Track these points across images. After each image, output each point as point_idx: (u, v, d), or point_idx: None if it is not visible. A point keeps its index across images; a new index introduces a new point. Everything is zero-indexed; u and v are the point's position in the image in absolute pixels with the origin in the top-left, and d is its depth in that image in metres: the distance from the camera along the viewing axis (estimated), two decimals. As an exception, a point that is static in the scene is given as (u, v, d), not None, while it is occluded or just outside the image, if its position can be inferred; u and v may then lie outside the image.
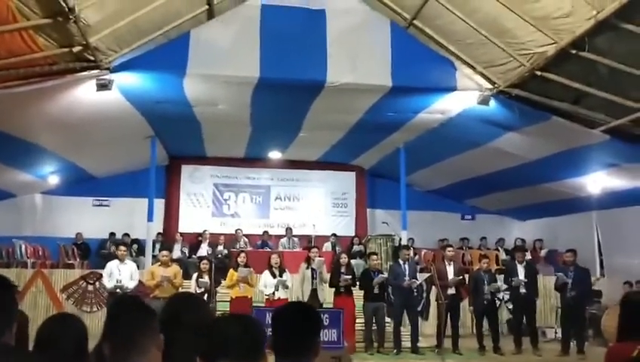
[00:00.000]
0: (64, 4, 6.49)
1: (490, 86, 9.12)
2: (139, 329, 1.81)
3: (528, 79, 8.58)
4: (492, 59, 8.77)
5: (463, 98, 9.47)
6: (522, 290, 9.48)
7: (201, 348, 1.66)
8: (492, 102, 9.30)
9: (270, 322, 2.02)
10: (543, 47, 7.91)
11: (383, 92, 9.28)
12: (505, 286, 9.76)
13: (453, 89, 9.22)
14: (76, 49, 7.42)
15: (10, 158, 10.99)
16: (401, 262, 9.73)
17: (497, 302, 10.07)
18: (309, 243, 13.69)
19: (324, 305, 9.34)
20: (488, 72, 8.99)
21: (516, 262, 9.83)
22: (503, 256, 14.36)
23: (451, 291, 9.48)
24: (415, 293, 9.73)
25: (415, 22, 9.05)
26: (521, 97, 8.93)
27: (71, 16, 6.67)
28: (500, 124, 10.10)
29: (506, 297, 10.88)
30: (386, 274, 9.71)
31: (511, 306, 10.55)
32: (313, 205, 15.99)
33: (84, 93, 8.59)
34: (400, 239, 13.23)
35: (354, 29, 8.92)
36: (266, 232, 14.64)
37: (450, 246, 10.65)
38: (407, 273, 9.49)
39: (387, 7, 9.11)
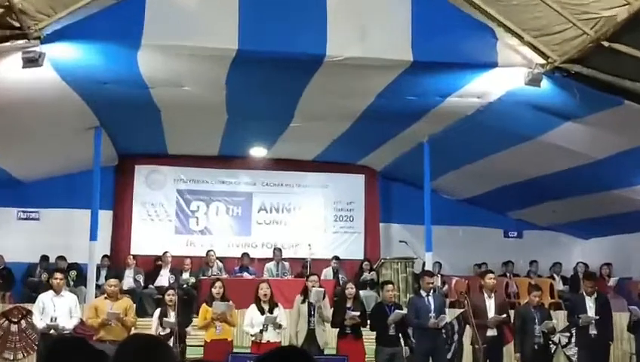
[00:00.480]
0: (-20, -47, 6.49)
1: (542, 61, 9.10)
2: None
3: (592, 52, 8.54)
4: (545, 26, 8.75)
5: (506, 77, 9.46)
6: (592, 331, 9.42)
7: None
8: (544, 83, 9.29)
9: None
10: (611, 10, 7.89)
11: (401, 69, 9.26)
12: (563, 326, 9.72)
13: (494, 65, 9.21)
14: (-4, 12, 7.42)
15: None
16: (423, 293, 9.70)
17: (552, 347, 10.05)
18: (304, 268, 13.68)
19: (325, 351, 9.31)
20: (539, 42, 8.97)
21: (584, 293, 9.74)
22: (559, 285, 14.37)
23: (491, 332, 9.44)
24: (444, 335, 9.70)
25: (442, -23, 9.06)
26: (582, 76, 8.91)
27: (-11, -31, 6.67)
28: (556, 112, 10.10)
29: (564, 340, 10.88)
30: (404, 310, 9.68)
31: (572, 351, 10.52)
32: (309, 219, 16.04)
33: (5, 71, 8.59)
34: (423, 263, 13.23)
35: (363, -13, 8.94)
36: (245, 254, 14.63)
37: (491, 272, 10.60)
38: (432, 308, 9.46)
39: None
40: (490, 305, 9.58)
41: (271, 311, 9.22)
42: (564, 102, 9.66)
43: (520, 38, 9.04)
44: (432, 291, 9.70)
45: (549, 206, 14.51)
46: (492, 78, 9.57)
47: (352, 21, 8.87)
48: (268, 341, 8.90)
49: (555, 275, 14.93)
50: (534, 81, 9.26)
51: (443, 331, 9.67)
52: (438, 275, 11.66)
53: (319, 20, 8.75)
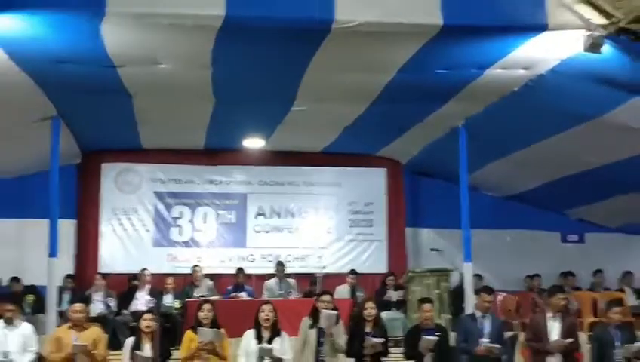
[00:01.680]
0: None
1: (604, 21, 9.06)
2: None
3: (667, 8, 8.53)
4: (606, -23, 8.75)
5: (560, 42, 9.40)
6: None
7: None
8: (607, 48, 9.23)
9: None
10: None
11: (429, 36, 9.22)
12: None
13: (543, 28, 9.15)
14: None
15: None
16: (478, 314, 9.71)
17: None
18: (313, 286, 13.69)
19: (339, 388, 9.31)
20: (600, -2, 8.96)
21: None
22: (632, 300, 14.30)
23: (554, 360, 9.40)
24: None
25: None
26: (656, 38, 8.89)
27: None
28: (622, 84, 10.05)
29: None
30: (437, 336, 9.65)
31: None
32: (318, 224, 16.11)
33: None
34: (461, 276, 13.20)
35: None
36: (240, 270, 14.66)
37: (562, 288, 10.54)
38: (485, 331, 9.45)
39: None
40: (555, 326, 9.54)
41: (270, 340, 9.20)
42: (632, 71, 9.62)
43: (576, -7, 9.02)
44: (487, 312, 9.70)
45: (617, 202, 14.45)
46: (542, 45, 9.49)
47: (365, -23, 8.87)
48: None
49: (625, 287, 14.88)
50: (595, 46, 9.17)
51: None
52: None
53: (325, -23, 8.77)
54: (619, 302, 10.12)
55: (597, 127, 11.30)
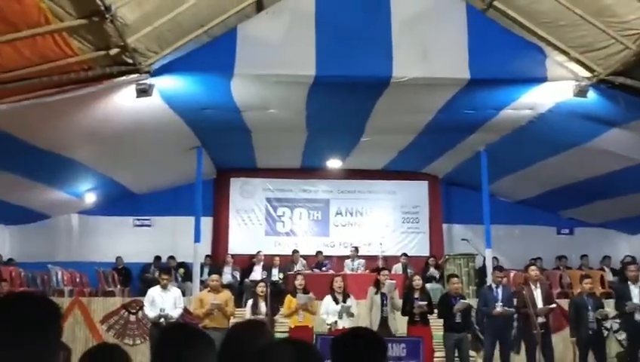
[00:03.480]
0: (100, 3, 6.75)
1: (588, 74, 8.83)
2: None
3: (635, 65, 8.24)
4: (589, 43, 8.49)
5: (556, 90, 9.21)
6: (638, 317, 9.02)
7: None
8: (591, 94, 9.00)
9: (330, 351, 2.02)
10: (651, 26, 7.60)
11: (460, 86, 9.15)
12: (615, 313, 9.34)
13: (544, 80, 8.99)
14: (113, 51, 7.68)
15: (43, 175, 11.48)
16: (493, 285, 9.52)
17: (605, 332, 9.64)
18: (378, 264, 13.64)
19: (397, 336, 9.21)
20: (585, 58, 8.70)
21: (629, 282, 9.37)
22: (609, 276, 13.83)
23: (541, 320, 9.13)
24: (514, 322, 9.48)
25: (495, 3, 8.87)
26: (626, 86, 8.58)
27: (107, 16, 6.93)
28: (602, 120, 9.76)
29: (615, 326, 10.43)
30: (467, 300, 9.50)
31: (622, 337, 10.10)
32: (379, 221, 15.94)
33: (122, 100, 8.89)
34: (484, 258, 12.97)
35: (423, 16, 8.84)
36: (319, 252, 14.65)
37: (534, 264, 10.25)
38: (499, 299, 9.26)
39: (461, -12, 9.00)
40: (538, 294, 9.30)
41: (344, 301, 9.20)
42: (609, 110, 9.34)
43: (567, 54, 8.80)
44: (499, 284, 9.52)
45: (598, 205, 13.98)
46: (542, 92, 9.34)
47: (414, 45, 8.80)
48: (343, 327, 8.80)
49: (605, 267, 14.37)
50: (581, 92, 8.99)
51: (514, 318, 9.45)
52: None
53: (385, 46, 8.74)
54: (588, 276, 9.89)
55: (583, 151, 10.99)
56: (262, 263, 13.82)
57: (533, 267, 9.76)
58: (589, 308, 9.12)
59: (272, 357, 1.74)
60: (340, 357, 1.98)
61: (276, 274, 13.53)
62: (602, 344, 9.32)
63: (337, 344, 2.05)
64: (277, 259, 14.12)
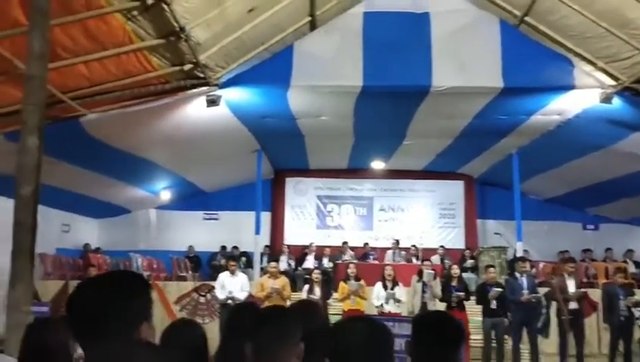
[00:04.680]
0: (176, 25, 6.90)
1: (613, 82, 8.56)
2: (285, 343, 1.86)
3: (657, 73, 7.96)
4: (614, 54, 8.23)
5: (583, 97, 8.96)
6: (658, 305, 8.73)
7: (332, 351, 1.67)
8: (616, 100, 8.72)
9: (411, 328, 1.99)
10: (674, 37, 7.32)
11: (494, 94, 8.99)
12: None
13: (571, 87, 8.75)
14: (187, 67, 7.84)
15: (126, 175, 11.83)
16: (518, 275, 9.32)
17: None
18: (414, 255, 13.52)
19: (436, 320, 9.09)
20: (610, 67, 8.44)
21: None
22: (632, 268, 13.35)
23: (574, 305, 8.90)
24: (543, 309, 9.23)
25: (526, 19, 8.67)
26: (649, 93, 8.30)
27: (182, 36, 7.08)
28: (626, 124, 9.45)
29: (637, 314, 10.09)
30: (500, 289, 9.31)
31: (645, 324, 9.75)
32: (419, 216, 15.77)
33: (194, 110, 9.06)
34: (515, 251, 12.70)
35: (460, 31, 8.73)
36: (366, 244, 14.60)
37: (572, 260, 10.03)
38: (524, 286, 9.05)
39: (496, 5, 8.81)
40: (571, 283, 9.09)
41: (392, 288, 9.15)
42: (632, 115, 9.06)
43: (594, 64, 8.54)
44: (524, 273, 9.31)
45: (622, 203, 13.51)
46: (570, 99, 9.10)
47: (452, 57, 8.69)
48: (389, 311, 8.79)
49: (627, 260, 13.88)
50: (607, 99, 8.72)
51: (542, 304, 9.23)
52: (528, 260, 11.15)
53: (426, 58, 8.66)
54: (622, 270, 9.65)
55: (608, 153, 10.65)
56: (314, 253, 13.84)
57: (571, 264, 9.53)
58: (621, 297, 8.87)
59: (346, 331, 1.74)
60: (424, 334, 1.95)
61: (326, 264, 13.54)
62: (631, 330, 9.04)
63: (421, 322, 2.02)
64: (327, 250, 14.11)
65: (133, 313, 1.46)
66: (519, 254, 12.06)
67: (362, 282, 9.27)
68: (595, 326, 9.47)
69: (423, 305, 9.09)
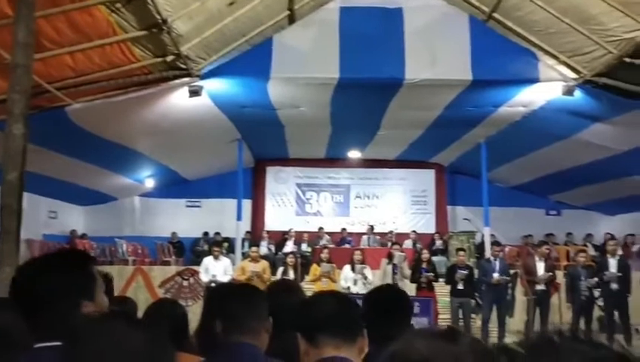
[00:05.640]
0: (158, 17, 6.80)
1: (575, 76, 8.67)
2: (252, 314, 1.86)
3: (616, 67, 8.06)
4: (576, 48, 8.33)
5: (547, 89, 9.06)
6: (614, 286, 8.89)
7: (301, 325, 1.67)
8: (577, 93, 8.84)
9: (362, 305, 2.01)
10: (631, 33, 7.42)
11: (463, 86, 9.04)
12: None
13: (536, 80, 8.84)
14: (169, 58, 7.75)
15: (112, 163, 11.67)
16: (492, 258, 9.45)
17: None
18: (390, 240, 13.60)
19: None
20: (573, 61, 8.54)
21: (608, 255, 9.25)
22: (591, 251, 13.62)
23: (541, 287, 9.07)
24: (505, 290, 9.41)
25: (494, 14, 8.74)
26: (609, 86, 8.41)
27: (164, 28, 6.99)
28: (587, 115, 9.58)
29: (596, 293, 10.30)
30: (466, 271, 9.44)
31: (601, 303, 9.97)
32: (393, 203, 15.86)
33: (177, 100, 8.95)
34: (482, 236, 12.86)
35: (432, 26, 8.74)
36: (344, 229, 14.64)
37: (546, 243, 10.23)
38: (496, 269, 9.19)
39: (465, 2, 8.86)
40: (541, 266, 9.24)
41: (361, 270, 9.22)
42: (593, 107, 9.16)
43: (557, 58, 8.64)
44: (497, 257, 9.45)
45: (582, 190, 13.75)
46: (535, 91, 9.19)
47: (424, 51, 8.71)
48: (357, 292, 8.84)
49: (587, 244, 14.16)
50: (569, 92, 8.84)
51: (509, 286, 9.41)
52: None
53: (398, 51, 8.65)
54: (583, 250, 9.81)
55: (570, 143, 10.79)
56: (293, 238, 13.86)
57: (546, 246, 9.83)
58: (582, 278, 9.01)
59: (315, 305, 1.75)
60: (374, 308, 1.97)
61: (305, 248, 13.57)
62: (591, 309, 9.21)
63: (371, 297, 2.04)
64: (305, 235, 14.11)
65: (71, 290, 1.40)
66: (487, 239, 12.23)
67: (334, 265, 9.33)
68: (557, 305, 9.64)
69: (394, 285, 9.16)
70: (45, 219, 12.93)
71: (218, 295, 2.18)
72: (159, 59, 7.73)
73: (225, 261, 9.60)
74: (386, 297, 2.08)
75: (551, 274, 9.22)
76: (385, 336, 1.86)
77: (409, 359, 0.68)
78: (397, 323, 1.96)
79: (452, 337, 0.72)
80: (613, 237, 11.28)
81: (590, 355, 0.59)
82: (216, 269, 9.33)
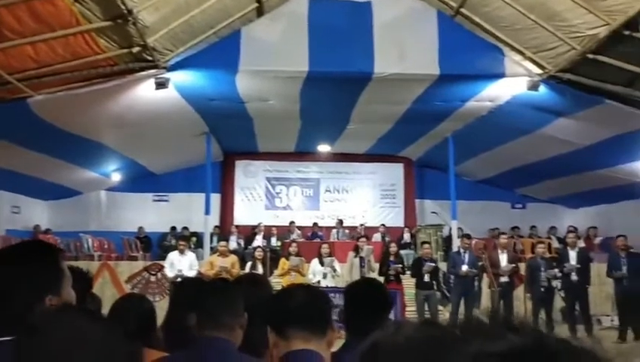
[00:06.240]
0: (123, 7, 6.66)
1: (539, 71, 8.83)
2: (228, 310, 1.85)
3: (580, 63, 8.25)
4: (541, 44, 8.48)
5: (512, 84, 9.21)
6: (574, 277, 9.11)
7: (271, 317, 1.66)
8: (542, 88, 9.00)
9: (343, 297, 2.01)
10: (594, 29, 7.59)
11: (431, 81, 9.12)
12: (559, 274, 9.44)
13: (502, 75, 8.98)
14: (135, 50, 7.62)
15: (76, 157, 11.41)
16: (461, 250, 9.58)
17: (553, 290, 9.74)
18: (359, 233, 13.69)
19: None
20: (538, 57, 8.70)
21: (568, 248, 9.48)
22: (555, 244, 13.93)
23: (504, 279, 9.24)
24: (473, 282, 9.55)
25: (462, 10, 8.83)
26: (572, 82, 8.61)
27: (129, 18, 6.85)
28: (551, 110, 9.77)
29: (559, 285, 10.56)
30: (434, 264, 9.55)
31: (563, 294, 10.22)
32: (362, 197, 15.95)
33: (143, 92, 8.81)
34: (450, 229, 13.03)
35: (400, 20, 8.79)
36: (315, 224, 14.67)
37: (504, 233, 10.40)
38: (466, 261, 9.33)
39: (433, -3, 8.94)
40: (504, 258, 9.41)
41: (330, 264, 9.25)
42: (557, 102, 9.36)
43: (522, 54, 8.79)
44: (467, 249, 9.58)
45: (547, 184, 14.05)
46: (501, 86, 9.34)
47: (392, 46, 8.75)
48: (327, 286, 8.85)
49: (551, 236, 14.46)
50: (534, 87, 9.00)
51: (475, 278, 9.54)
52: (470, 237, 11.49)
53: (368, 46, 8.68)
54: (542, 242, 10.02)
55: (535, 138, 10.99)
56: (262, 233, 13.81)
57: (504, 236, 9.93)
58: (542, 269, 9.20)
59: (284, 297, 1.74)
60: (353, 301, 1.97)
61: (275, 242, 13.54)
62: (551, 300, 9.42)
63: (350, 291, 2.04)
64: (275, 229, 14.10)
65: (34, 283, 1.36)
66: (454, 231, 12.40)
67: (302, 258, 9.34)
68: (522, 297, 9.84)
69: (373, 279, 9.20)
70: (8, 215, 12.62)
71: (193, 289, 2.15)
72: (125, 51, 7.59)
73: (190, 255, 9.53)
74: (365, 291, 2.08)
75: (514, 265, 9.40)
76: (364, 329, 1.88)
77: (395, 344, 0.68)
78: (377, 316, 1.96)
79: (435, 324, 0.73)
80: (573, 230, 11.54)
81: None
82: (182, 264, 9.25)
